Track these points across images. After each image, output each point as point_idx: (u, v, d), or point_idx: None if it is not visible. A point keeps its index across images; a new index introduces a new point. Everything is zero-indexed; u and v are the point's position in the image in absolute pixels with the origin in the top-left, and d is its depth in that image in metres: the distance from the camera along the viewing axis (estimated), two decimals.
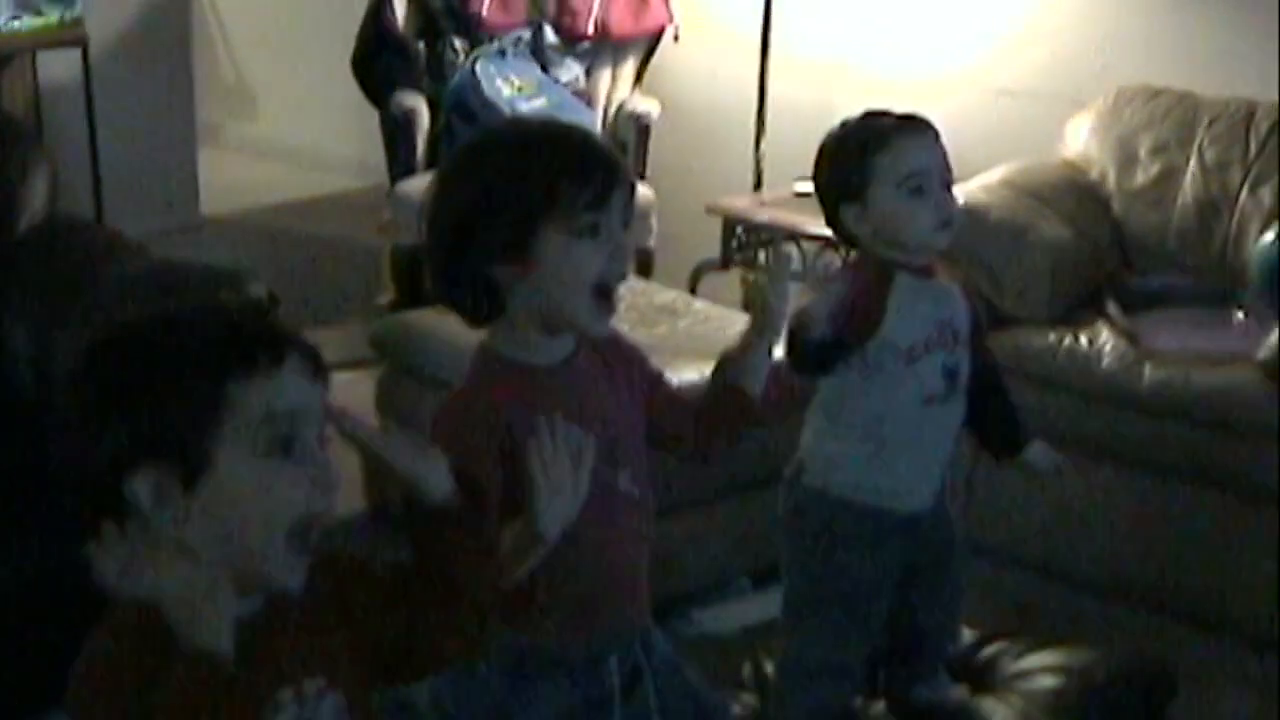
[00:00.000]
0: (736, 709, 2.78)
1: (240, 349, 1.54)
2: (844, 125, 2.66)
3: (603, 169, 2.05)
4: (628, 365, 2.23)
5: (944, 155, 2.61)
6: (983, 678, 2.94)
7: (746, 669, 2.98)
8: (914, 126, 2.61)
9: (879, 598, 2.73)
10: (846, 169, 2.60)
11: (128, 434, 1.51)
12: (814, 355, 2.48)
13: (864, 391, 2.62)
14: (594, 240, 2.04)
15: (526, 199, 2.01)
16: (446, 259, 2.08)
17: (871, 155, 2.57)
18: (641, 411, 2.22)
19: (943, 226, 2.59)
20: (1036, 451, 2.80)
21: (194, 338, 1.55)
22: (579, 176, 2.03)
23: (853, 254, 2.81)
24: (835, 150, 2.64)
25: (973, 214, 3.83)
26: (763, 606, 2.82)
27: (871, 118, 2.64)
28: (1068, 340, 3.75)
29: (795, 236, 4.76)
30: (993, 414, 2.78)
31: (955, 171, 2.66)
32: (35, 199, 3.54)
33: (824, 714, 2.75)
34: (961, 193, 3.90)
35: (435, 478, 1.70)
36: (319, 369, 1.60)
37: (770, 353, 2.29)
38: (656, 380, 2.28)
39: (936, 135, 2.62)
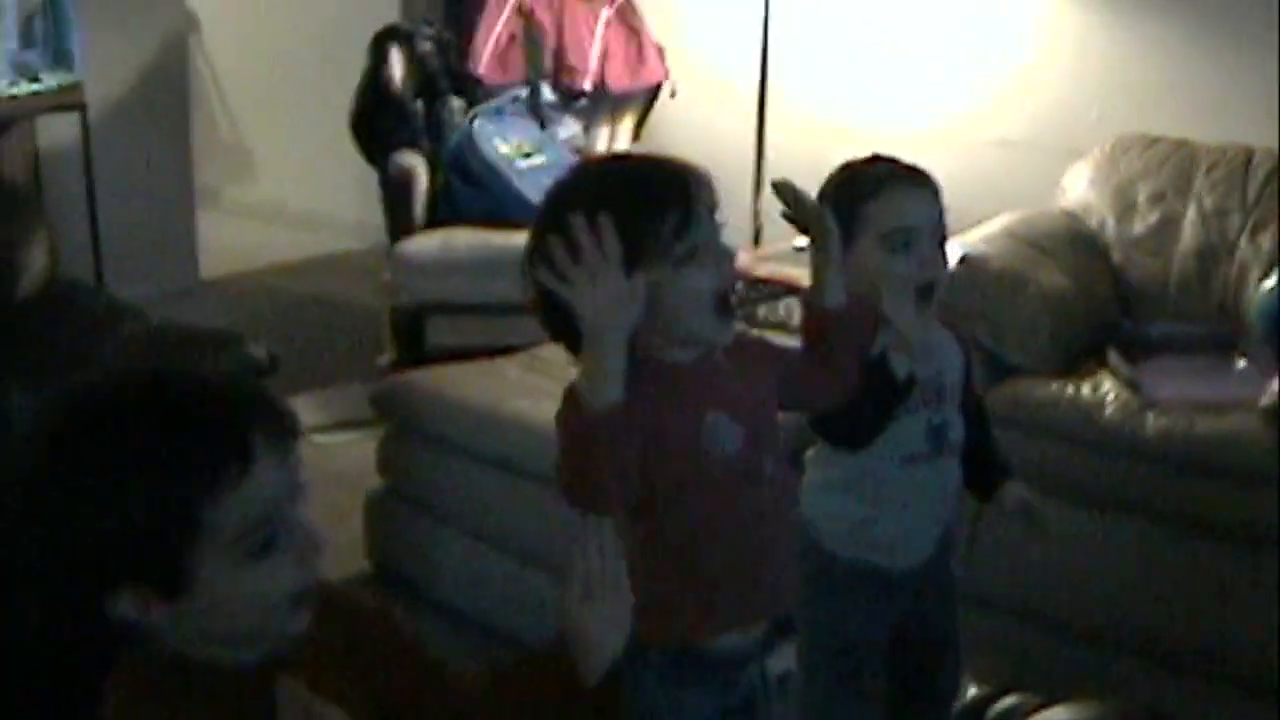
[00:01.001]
0: None
1: (206, 468, 1.46)
2: (844, 168, 2.60)
3: (678, 189, 2.08)
4: (756, 356, 2.27)
5: (940, 213, 2.54)
6: None
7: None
8: (910, 179, 2.55)
9: (874, 652, 2.70)
10: (836, 215, 2.47)
11: (101, 559, 1.45)
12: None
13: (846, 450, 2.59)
14: (696, 261, 2.07)
15: (622, 246, 1.98)
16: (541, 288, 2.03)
17: (860, 204, 2.51)
18: (775, 398, 2.26)
19: (924, 291, 2.50)
20: (1009, 491, 2.74)
21: (156, 457, 1.46)
22: (656, 214, 2.05)
23: None
24: (830, 194, 2.56)
25: (973, 264, 3.84)
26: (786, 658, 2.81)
27: (873, 162, 2.59)
28: (1070, 390, 3.74)
29: (794, 290, 4.75)
30: (972, 452, 2.72)
31: (954, 222, 2.61)
32: (35, 264, 3.56)
33: None
34: (961, 243, 3.93)
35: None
36: (290, 434, 1.55)
37: (840, 260, 2.29)
38: (781, 355, 2.33)
39: (936, 190, 2.55)
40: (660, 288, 2.04)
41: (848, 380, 2.35)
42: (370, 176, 5.52)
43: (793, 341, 2.40)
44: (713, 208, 2.11)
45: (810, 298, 2.33)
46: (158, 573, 1.46)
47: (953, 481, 2.66)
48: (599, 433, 1.95)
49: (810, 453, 2.68)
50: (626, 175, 2.16)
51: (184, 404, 1.49)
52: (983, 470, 2.76)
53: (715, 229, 2.11)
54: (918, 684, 2.82)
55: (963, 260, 3.83)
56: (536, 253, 2.04)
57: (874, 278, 2.49)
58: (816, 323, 2.32)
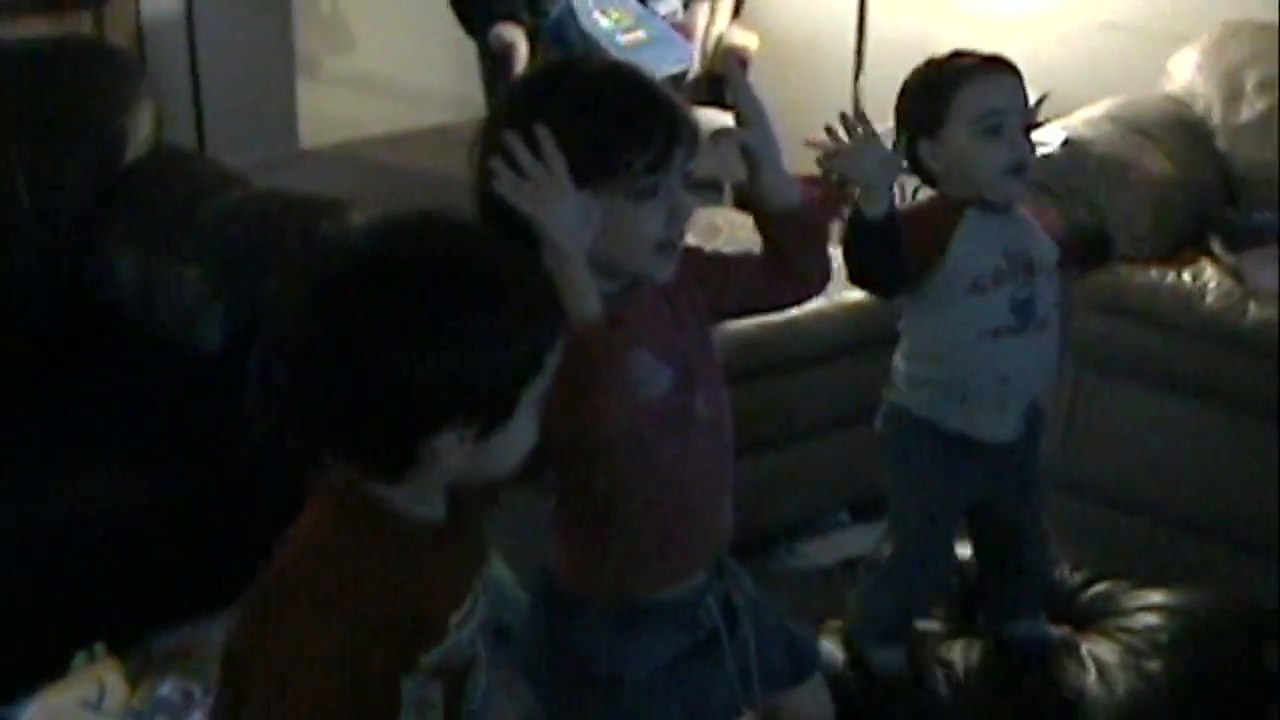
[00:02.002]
0: (825, 642, 2.80)
1: (552, 318, 1.62)
2: (928, 63, 2.63)
3: (663, 129, 1.94)
4: (690, 277, 2.11)
5: (1025, 100, 2.58)
6: (1085, 618, 2.95)
7: (851, 599, 3.00)
8: (996, 67, 2.59)
9: (952, 521, 2.78)
10: (925, 104, 2.58)
11: (459, 389, 1.55)
12: (868, 244, 2.46)
13: (932, 320, 2.64)
14: (653, 201, 1.95)
15: (582, 160, 1.89)
16: (494, 200, 1.93)
17: (950, 91, 2.56)
18: (709, 328, 2.16)
19: (1014, 171, 2.57)
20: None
21: (514, 302, 1.58)
22: (637, 140, 1.93)
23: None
24: (916, 85, 2.62)
25: (1076, 149, 3.81)
26: (863, 539, 2.84)
27: (956, 57, 2.62)
28: (1170, 278, 3.71)
29: None
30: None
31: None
32: (140, 130, 3.58)
33: (888, 631, 2.82)
34: (1064, 126, 3.90)
35: None
36: None
37: (776, 158, 2.17)
38: (707, 261, 2.19)
39: (1020, 79, 2.59)
40: (608, 223, 1.92)
41: (816, 275, 2.23)
42: (470, 49, 5.51)
43: None
44: (690, 154, 1.98)
45: (755, 202, 2.18)
46: (503, 403, 1.58)
47: (1044, 356, 2.69)
48: (594, 350, 1.86)
49: (901, 321, 2.71)
50: (628, 86, 1.99)
51: (514, 256, 1.65)
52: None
53: (683, 177, 1.98)
54: (1002, 559, 2.86)
55: (1065, 144, 3.80)
56: (493, 150, 1.92)
57: (965, 163, 2.56)
58: (768, 227, 2.18)
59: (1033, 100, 2.60)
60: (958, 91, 2.55)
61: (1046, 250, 2.67)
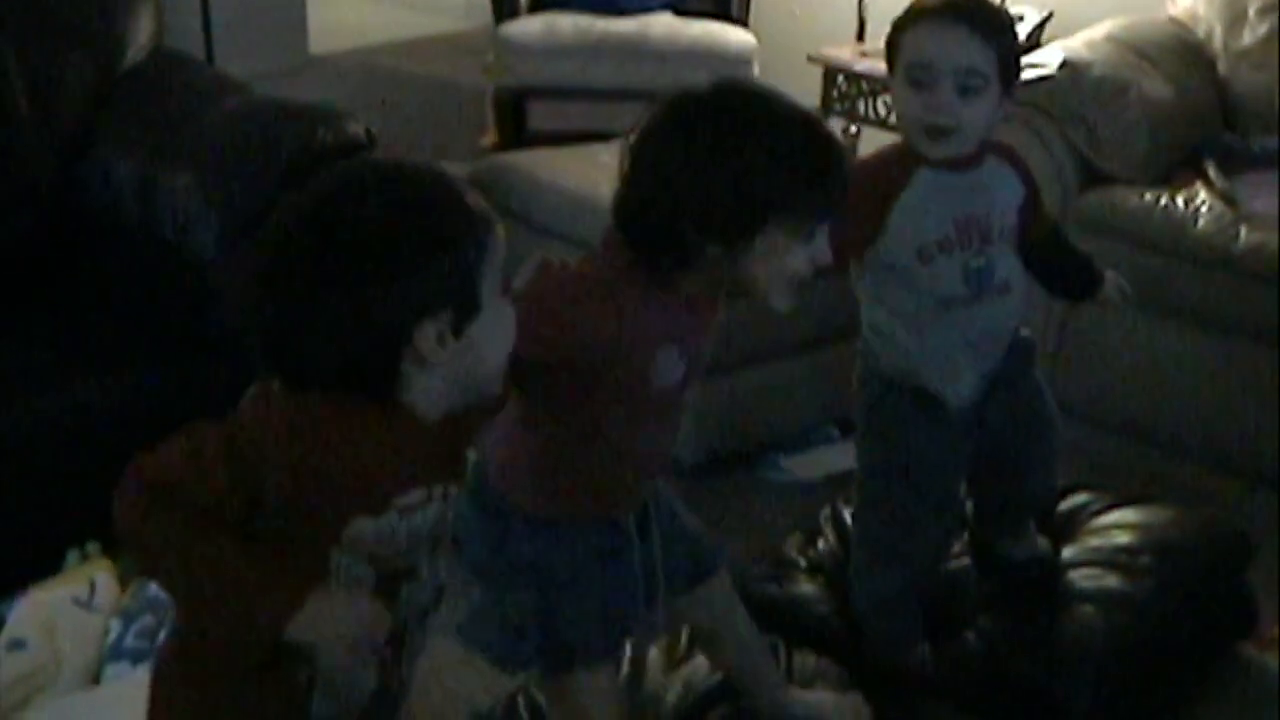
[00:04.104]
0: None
1: (482, 213, 1.73)
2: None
3: (841, 184, 2.05)
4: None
5: (979, 59, 2.40)
6: (1063, 530, 2.97)
7: (825, 512, 3.03)
8: (945, 17, 2.41)
9: (941, 480, 2.68)
10: (888, 42, 2.49)
11: (424, 283, 1.67)
12: None
13: (882, 287, 2.55)
14: (809, 244, 2.05)
15: (771, 198, 1.99)
16: (652, 212, 2.02)
17: (896, 33, 2.46)
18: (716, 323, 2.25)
19: (931, 133, 2.44)
20: (1109, 286, 2.75)
21: (456, 192, 1.74)
22: (822, 190, 2.03)
23: None
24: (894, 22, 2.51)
25: (1074, 69, 3.81)
26: (849, 454, 2.84)
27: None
28: (1164, 200, 3.71)
29: None
30: (1063, 274, 2.74)
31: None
32: (140, 34, 3.59)
33: (888, 600, 2.75)
34: (1063, 47, 3.90)
35: None
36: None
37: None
38: None
39: (979, 34, 2.40)
40: (763, 253, 2.03)
41: None
42: None
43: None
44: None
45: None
46: (466, 292, 1.70)
47: (1002, 324, 2.60)
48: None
49: (857, 283, 2.62)
50: (825, 137, 2.08)
51: (449, 179, 1.78)
52: (1077, 283, 2.77)
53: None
54: (1005, 496, 2.85)
55: (1063, 65, 3.80)
56: (645, 158, 2.04)
57: (898, 107, 2.48)
58: None
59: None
60: (902, 34, 2.45)
61: (1011, 210, 2.56)
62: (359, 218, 1.67)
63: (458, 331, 1.70)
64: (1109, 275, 2.76)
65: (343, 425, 1.69)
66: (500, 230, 1.75)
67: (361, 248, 1.66)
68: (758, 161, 1.98)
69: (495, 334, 1.76)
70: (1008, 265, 2.55)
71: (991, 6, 2.56)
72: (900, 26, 2.47)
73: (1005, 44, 2.46)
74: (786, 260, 2.05)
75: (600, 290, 2.05)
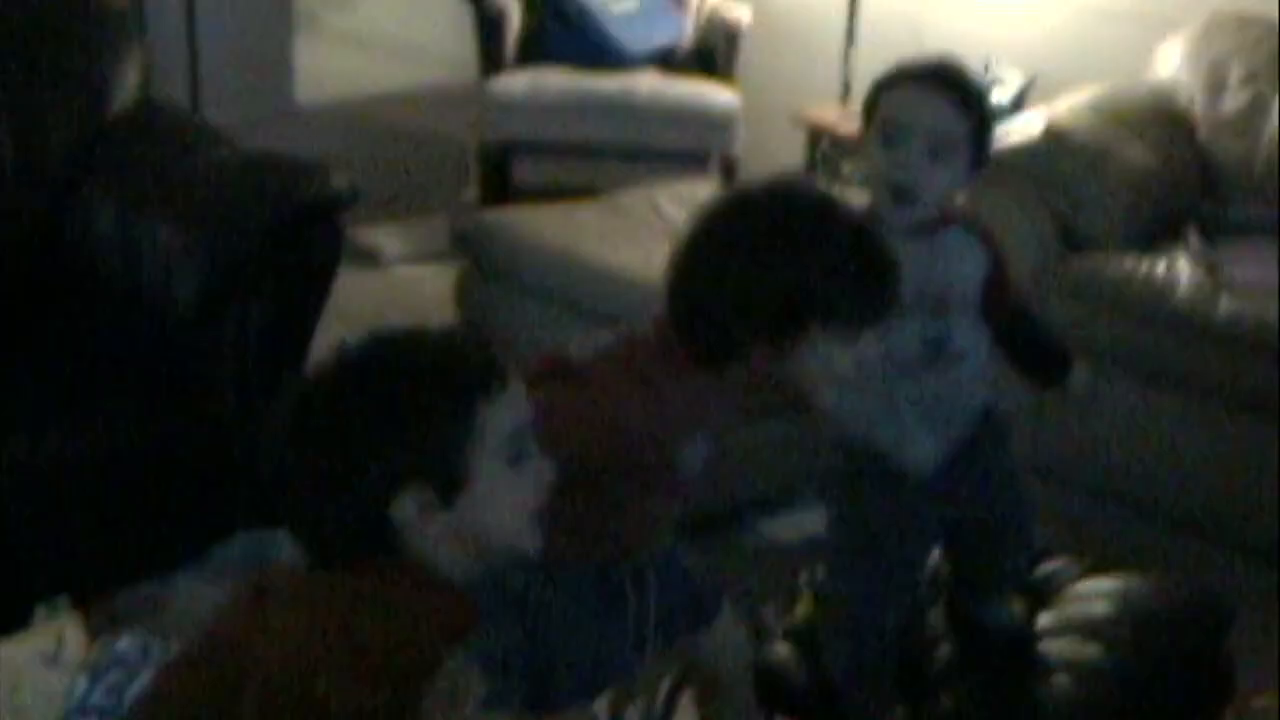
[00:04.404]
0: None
1: (485, 373, 1.73)
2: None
3: (890, 292, 2.12)
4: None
5: (954, 127, 2.40)
6: (1040, 595, 2.96)
7: (804, 577, 3.01)
8: (927, 83, 2.43)
9: (900, 550, 2.64)
10: (868, 100, 2.47)
11: (395, 458, 1.68)
12: None
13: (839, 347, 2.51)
14: (855, 345, 2.11)
15: (819, 303, 2.05)
16: (702, 307, 2.08)
17: (875, 94, 2.46)
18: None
19: (894, 193, 2.41)
20: (1074, 378, 2.70)
21: (443, 365, 1.73)
22: (870, 298, 2.09)
23: None
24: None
25: (1056, 135, 3.83)
26: (826, 517, 2.83)
27: (919, 64, 2.49)
28: (1144, 267, 3.73)
29: None
30: (1030, 359, 2.69)
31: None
32: (126, 82, 3.59)
33: (862, 668, 2.70)
34: (1045, 113, 3.91)
35: None
36: (518, 377, 1.81)
37: None
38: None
39: (959, 101, 2.41)
40: (803, 361, 2.11)
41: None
42: (467, 9, 5.52)
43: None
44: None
45: None
46: (443, 468, 1.69)
47: (960, 391, 2.56)
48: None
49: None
50: (865, 248, 2.12)
51: (452, 341, 1.79)
52: (1040, 363, 2.74)
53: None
54: (977, 568, 2.81)
55: (1045, 130, 3.82)
56: (690, 265, 2.10)
57: (866, 167, 2.48)
58: None
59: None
60: (880, 95, 2.45)
61: (972, 281, 2.52)
62: (341, 392, 1.70)
63: (447, 502, 1.71)
64: (1078, 368, 2.75)
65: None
66: (514, 389, 1.75)
67: (341, 420, 1.69)
68: (807, 266, 2.04)
69: (495, 503, 1.75)
70: (966, 335, 2.53)
71: (973, 79, 2.57)
72: (882, 86, 2.47)
73: (981, 117, 2.47)
74: (831, 361, 2.10)
75: (643, 391, 2.10)
